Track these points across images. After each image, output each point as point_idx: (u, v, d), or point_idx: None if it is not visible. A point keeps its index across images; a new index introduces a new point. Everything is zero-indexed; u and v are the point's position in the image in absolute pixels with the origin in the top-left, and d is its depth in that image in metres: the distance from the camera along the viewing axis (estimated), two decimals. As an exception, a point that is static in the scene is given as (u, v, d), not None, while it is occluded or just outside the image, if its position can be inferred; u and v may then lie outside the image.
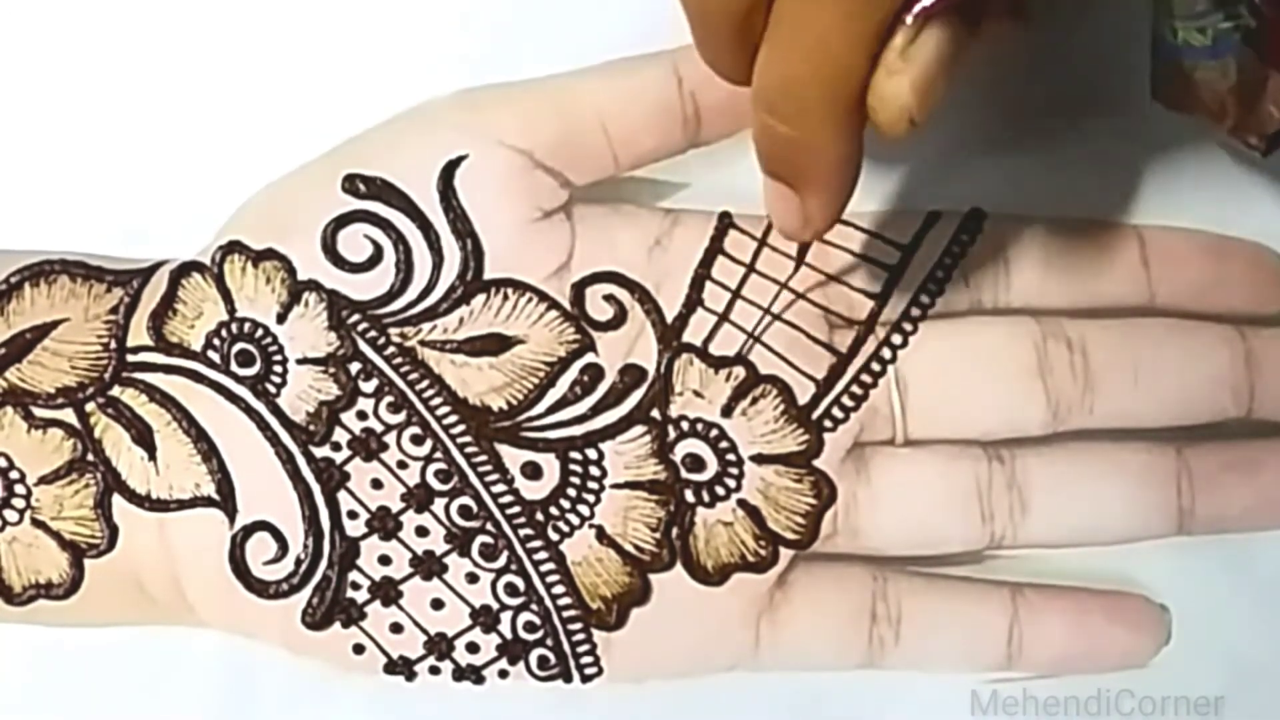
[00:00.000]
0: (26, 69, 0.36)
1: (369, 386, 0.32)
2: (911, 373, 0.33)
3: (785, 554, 0.33)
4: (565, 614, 0.33)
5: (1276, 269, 0.35)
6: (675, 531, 0.33)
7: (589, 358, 0.33)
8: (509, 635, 0.33)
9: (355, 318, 0.32)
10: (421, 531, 0.33)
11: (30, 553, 0.32)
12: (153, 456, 0.32)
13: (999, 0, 0.26)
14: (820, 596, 0.34)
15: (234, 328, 0.32)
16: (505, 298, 0.32)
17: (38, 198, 0.36)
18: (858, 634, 0.33)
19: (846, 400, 0.33)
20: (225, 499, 0.32)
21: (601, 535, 0.33)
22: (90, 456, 0.32)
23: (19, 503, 0.32)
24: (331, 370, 0.32)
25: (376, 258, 0.32)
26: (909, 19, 0.24)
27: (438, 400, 0.32)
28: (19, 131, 0.36)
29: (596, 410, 0.33)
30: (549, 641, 0.33)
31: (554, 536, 0.33)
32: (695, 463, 0.33)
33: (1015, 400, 0.33)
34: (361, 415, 0.32)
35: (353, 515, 0.32)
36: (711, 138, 0.33)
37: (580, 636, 0.33)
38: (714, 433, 0.33)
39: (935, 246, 0.34)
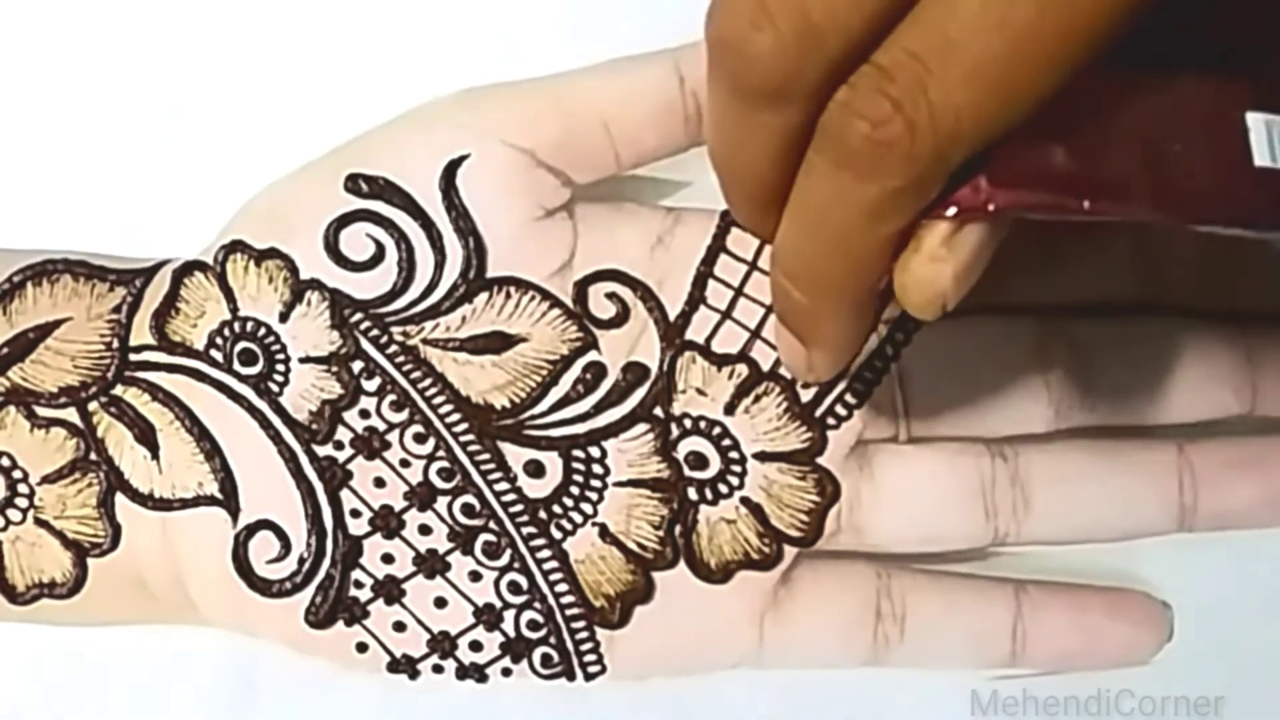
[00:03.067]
0: (29, 69, 0.36)
1: (371, 385, 0.32)
2: (914, 370, 0.34)
3: (789, 551, 0.33)
4: (568, 612, 0.33)
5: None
6: (678, 529, 0.33)
7: (591, 356, 0.33)
8: (512, 634, 0.33)
9: (358, 316, 0.32)
10: (424, 530, 0.33)
11: (33, 552, 0.32)
12: (155, 455, 0.32)
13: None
14: (824, 594, 0.34)
15: (236, 327, 0.32)
16: (508, 296, 0.32)
17: (40, 197, 0.36)
18: (862, 631, 0.33)
19: (849, 398, 0.33)
20: (228, 498, 0.32)
21: (604, 533, 0.33)
22: (93, 455, 0.32)
23: (22, 502, 0.32)
24: (334, 369, 0.32)
25: (379, 257, 0.32)
26: (949, 213, 0.24)
27: (440, 399, 0.32)
28: (21, 131, 0.36)
29: (599, 408, 0.33)
30: (552, 640, 0.33)
31: (557, 535, 0.33)
32: (698, 460, 0.33)
33: (1017, 397, 0.33)
34: (364, 414, 0.32)
35: (355, 514, 0.32)
36: (713, 137, 0.33)
37: (583, 635, 0.33)
38: (717, 430, 0.33)
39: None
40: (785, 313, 0.27)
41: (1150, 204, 0.24)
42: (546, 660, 0.33)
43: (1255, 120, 0.25)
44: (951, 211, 0.24)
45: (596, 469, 0.33)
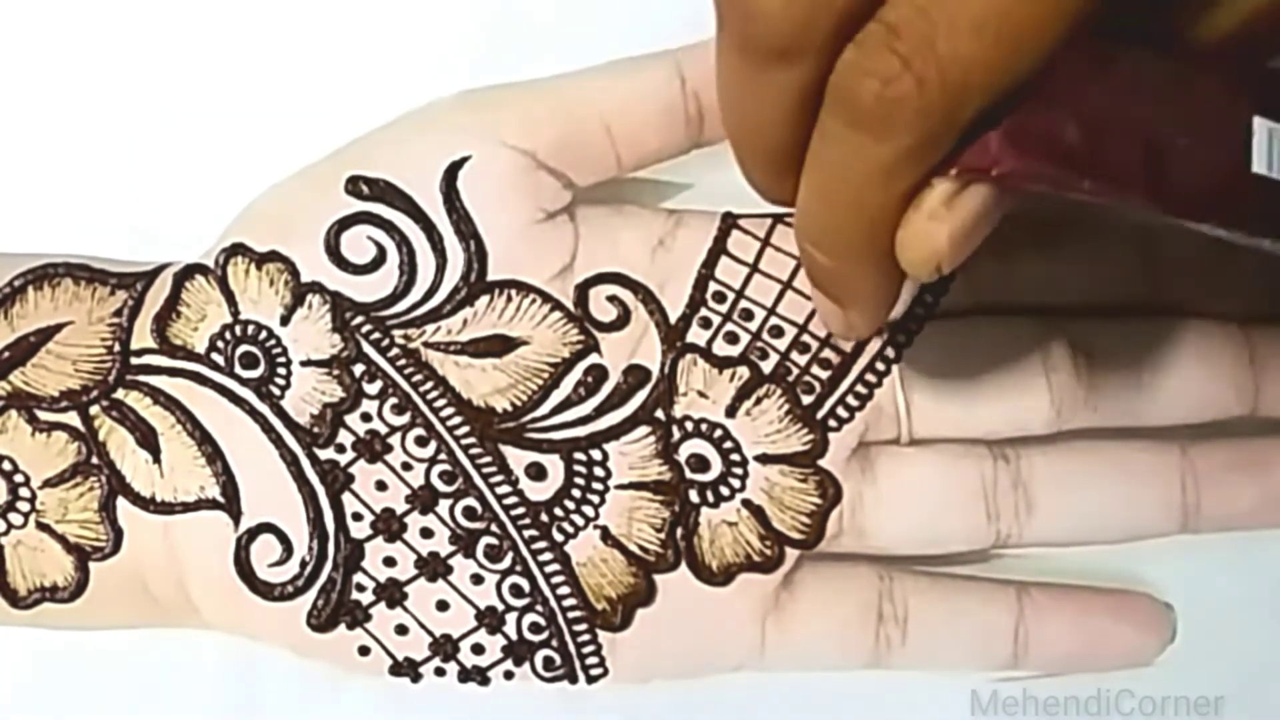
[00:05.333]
0: (29, 71, 0.36)
1: (373, 388, 0.32)
2: (916, 372, 0.33)
3: (791, 554, 0.33)
4: (570, 615, 0.33)
5: None
6: (680, 532, 0.33)
7: (593, 359, 0.33)
8: (514, 636, 0.33)
9: (359, 319, 0.32)
10: (426, 533, 0.33)
11: (35, 556, 0.32)
12: (157, 459, 0.32)
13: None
14: (826, 596, 0.34)
15: (238, 330, 0.32)
16: (509, 299, 0.32)
17: (41, 200, 0.36)
18: (864, 634, 0.33)
19: (851, 400, 0.33)
20: (230, 501, 0.32)
21: (606, 536, 0.33)
22: (95, 459, 0.32)
23: (24, 506, 0.32)
24: (335, 372, 0.32)
25: (380, 259, 0.32)
26: (953, 172, 0.24)
27: (442, 402, 0.32)
28: (21, 134, 0.36)
29: (600, 411, 0.33)
30: (554, 642, 0.33)
31: (559, 537, 0.33)
32: (699, 463, 0.33)
33: (1019, 399, 0.33)
34: (366, 417, 0.32)
35: (357, 517, 0.32)
36: (715, 138, 0.33)
37: (585, 637, 0.33)
38: (718, 433, 0.33)
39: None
40: (814, 276, 0.27)
41: (1147, 195, 0.24)
42: (548, 663, 0.33)
43: (1260, 126, 0.25)
44: (955, 171, 0.24)
45: (598, 472, 0.33)
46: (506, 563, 0.33)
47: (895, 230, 0.25)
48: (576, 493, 0.33)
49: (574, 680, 0.33)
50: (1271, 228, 0.25)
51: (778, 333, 0.33)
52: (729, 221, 0.34)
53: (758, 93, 0.25)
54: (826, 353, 0.33)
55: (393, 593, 0.32)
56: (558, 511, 0.33)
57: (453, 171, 0.32)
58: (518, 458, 0.33)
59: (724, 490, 0.33)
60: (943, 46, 0.22)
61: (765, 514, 0.33)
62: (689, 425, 0.33)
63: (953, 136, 0.23)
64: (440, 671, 0.33)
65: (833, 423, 0.33)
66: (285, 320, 0.32)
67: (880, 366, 0.33)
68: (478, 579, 0.33)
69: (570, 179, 0.33)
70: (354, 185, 0.32)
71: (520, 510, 0.33)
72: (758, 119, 0.25)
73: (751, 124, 0.26)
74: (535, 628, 0.33)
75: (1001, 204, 0.25)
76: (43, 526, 0.32)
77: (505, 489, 0.33)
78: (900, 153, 0.23)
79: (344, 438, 0.32)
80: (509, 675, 0.33)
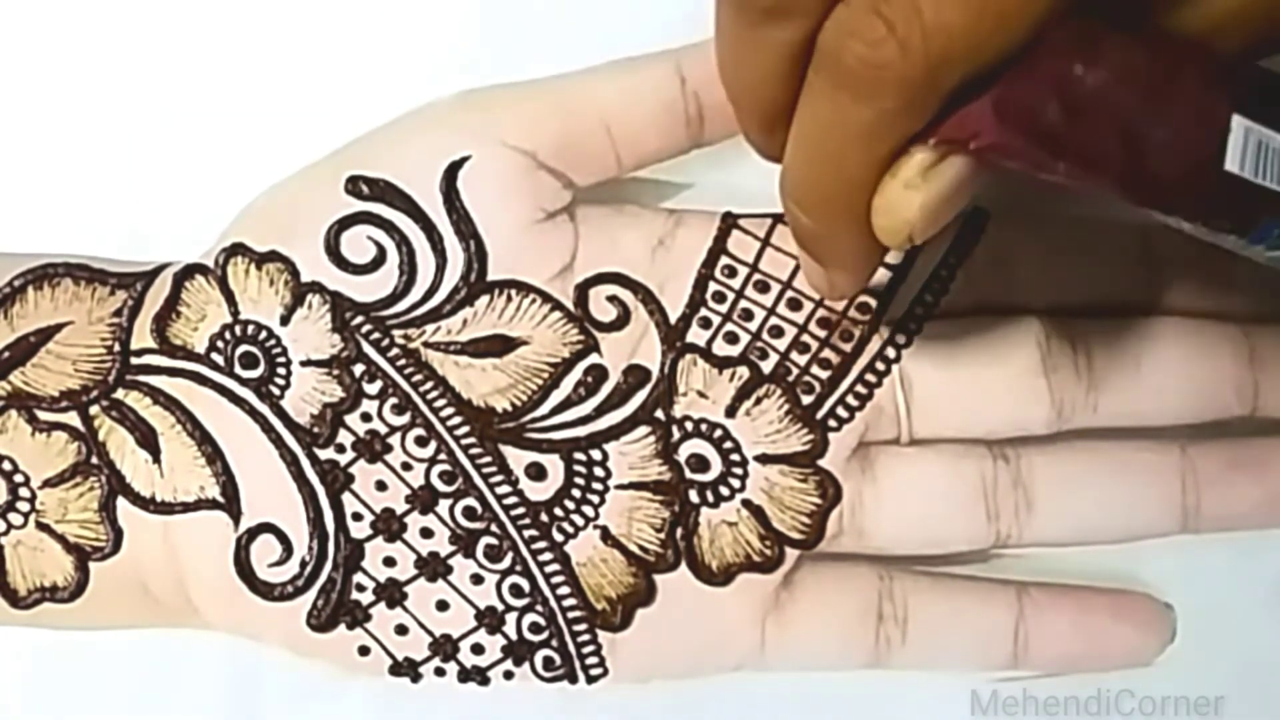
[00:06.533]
0: (29, 71, 0.36)
1: (373, 388, 0.32)
2: (916, 372, 0.33)
3: (791, 554, 0.33)
4: (570, 615, 0.33)
5: None
6: (680, 532, 0.33)
7: (593, 359, 0.33)
8: (514, 636, 0.33)
9: (359, 319, 0.32)
10: (426, 533, 0.33)
11: (35, 556, 0.32)
12: (157, 459, 0.32)
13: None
14: (826, 596, 0.34)
15: (237, 330, 0.32)
16: (509, 299, 0.32)
17: (41, 200, 0.36)
18: (864, 634, 0.33)
19: (851, 400, 0.33)
20: (230, 501, 0.32)
21: (606, 536, 0.33)
22: (95, 459, 0.32)
23: (24, 506, 0.32)
24: (335, 372, 0.32)
25: (380, 259, 0.32)
26: (932, 142, 0.24)
27: (442, 402, 0.32)
28: (21, 134, 0.36)
29: (600, 411, 0.33)
30: (554, 642, 0.33)
31: (559, 537, 0.33)
32: (699, 463, 0.33)
33: (1020, 399, 0.33)
34: (365, 417, 0.32)
35: (357, 517, 0.32)
36: (715, 138, 0.33)
37: (585, 637, 0.33)
38: (718, 433, 0.33)
39: (939, 246, 0.34)
40: (797, 234, 0.28)
41: (1120, 183, 0.24)
42: (548, 663, 0.33)
43: (1238, 124, 0.25)
44: (934, 141, 0.24)
45: (598, 472, 0.33)
46: (506, 563, 0.33)
47: (870, 196, 0.25)
48: (576, 493, 0.33)
49: (574, 680, 0.33)
50: (1236, 225, 0.25)
51: (778, 333, 0.33)
52: (729, 221, 0.34)
53: (751, 49, 0.25)
54: (826, 353, 0.33)
55: (393, 593, 0.32)
56: (558, 511, 0.33)
57: (453, 171, 0.32)
58: (518, 458, 0.33)
59: (724, 490, 0.33)
60: (928, 13, 0.22)
61: (765, 514, 0.33)
62: (689, 425, 0.33)
63: (934, 104, 0.23)
64: (440, 671, 0.33)
65: (833, 423, 0.33)
66: (285, 320, 0.32)
67: (880, 366, 0.33)
68: (478, 579, 0.33)
69: (570, 179, 0.33)
70: (354, 185, 0.32)
71: (520, 510, 0.33)
72: (751, 75, 0.26)
73: (746, 80, 0.26)
74: (535, 628, 0.33)
75: (977, 179, 0.25)
76: (43, 526, 0.32)
77: (505, 489, 0.33)
78: (881, 116, 0.23)
79: (344, 438, 0.32)
80: (509, 675, 0.33)
